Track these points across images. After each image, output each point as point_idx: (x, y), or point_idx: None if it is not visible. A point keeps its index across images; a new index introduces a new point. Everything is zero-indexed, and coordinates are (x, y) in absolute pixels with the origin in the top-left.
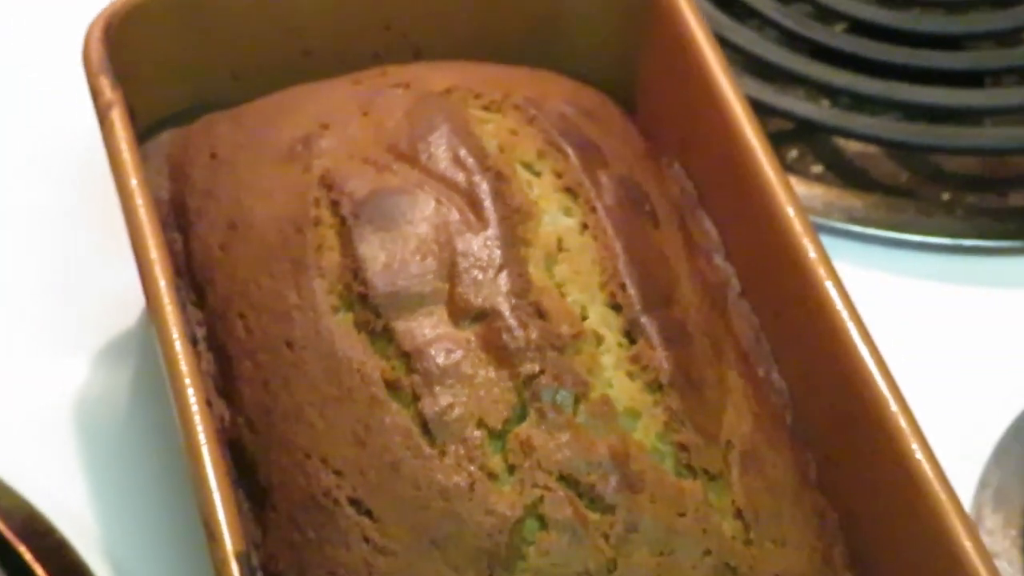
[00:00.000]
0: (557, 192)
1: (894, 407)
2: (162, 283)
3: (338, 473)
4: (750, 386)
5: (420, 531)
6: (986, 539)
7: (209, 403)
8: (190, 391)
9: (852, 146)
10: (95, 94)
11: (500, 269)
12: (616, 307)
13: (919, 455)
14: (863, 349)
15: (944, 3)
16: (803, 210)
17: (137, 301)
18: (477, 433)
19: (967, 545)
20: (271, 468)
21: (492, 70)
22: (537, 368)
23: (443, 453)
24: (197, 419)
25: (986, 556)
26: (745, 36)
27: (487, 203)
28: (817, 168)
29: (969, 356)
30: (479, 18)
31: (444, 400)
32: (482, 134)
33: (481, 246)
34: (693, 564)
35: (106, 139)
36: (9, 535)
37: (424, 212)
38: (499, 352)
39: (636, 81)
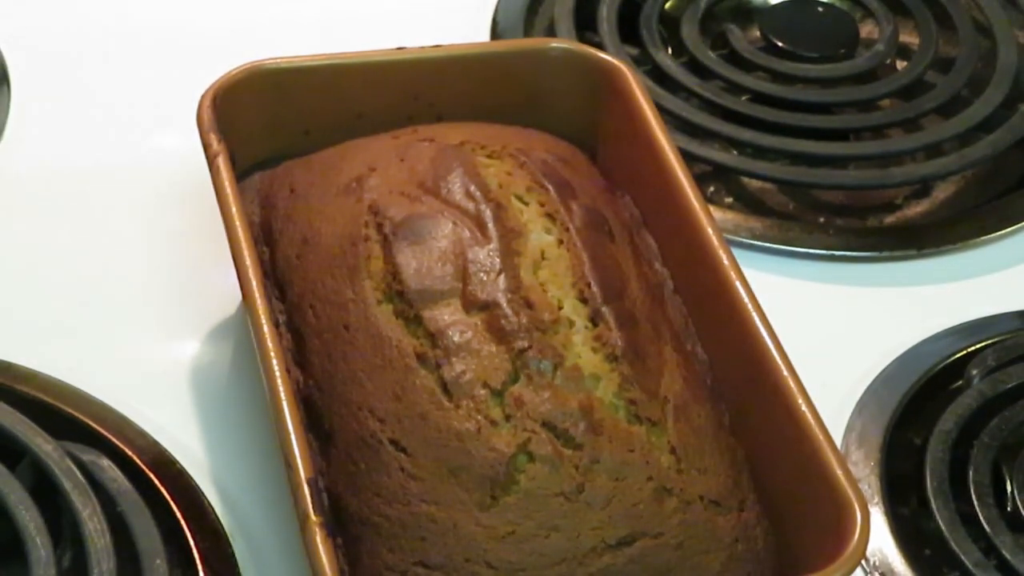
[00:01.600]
0: (541, 217)
1: (785, 373)
2: (254, 283)
3: (381, 421)
4: (680, 357)
5: (441, 463)
6: (852, 469)
7: (288, 370)
8: (274, 361)
9: (753, 183)
10: (205, 146)
11: (499, 272)
12: (584, 300)
13: (804, 408)
14: (762, 330)
15: (820, 80)
16: (719, 229)
17: (236, 296)
18: (482, 392)
19: (839, 473)
20: (333, 417)
21: (493, 129)
22: (526, 344)
23: (458, 406)
24: (279, 381)
25: (853, 481)
26: (677, 104)
27: (490, 225)
28: (729, 199)
29: (840, 335)
30: (485, 92)
31: (459, 368)
32: (486, 175)
33: (485, 256)
34: (639, 487)
35: (214, 179)
36: (143, 466)
37: (444, 231)
38: (498, 332)
39: (598, 136)
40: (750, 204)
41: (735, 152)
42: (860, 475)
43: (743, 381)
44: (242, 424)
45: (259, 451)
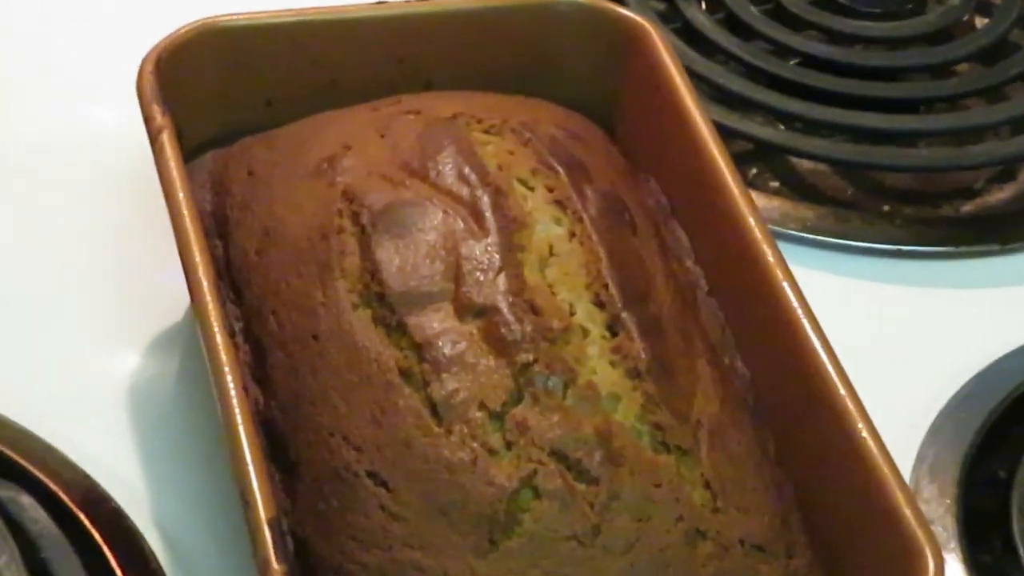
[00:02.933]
0: (548, 204)
1: (842, 391)
2: (205, 284)
3: (358, 449)
4: (716, 373)
5: (429, 500)
6: (924, 507)
7: (246, 388)
8: (229, 378)
9: (804, 164)
10: (147, 119)
11: (499, 271)
12: (600, 304)
13: (864, 433)
14: (815, 340)
15: (884, 40)
16: (762, 220)
17: (183, 299)
18: (479, 414)
19: (907, 513)
20: (299, 445)
21: (492, 99)
22: (531, 357)
23: (449, 432)
24: (235, 402)
25: (924, 523)
26: (712, 69)
27: (487, 214)
28: (774, 183)
29: (906, 347)
30: (481, 54)
31: (450, 385)
32: (483, 154)
33: (482, 251)
34: (667, 529)
35: (157, 159)
36: (70, 504)
37: (433, 222)
38: (498, 343)
39: (617, 108)
40: (800, 189)
41: (782, 127)
42: (933, 515)
43: (792, 402)
44: (190, 453)
45: (211, 485)
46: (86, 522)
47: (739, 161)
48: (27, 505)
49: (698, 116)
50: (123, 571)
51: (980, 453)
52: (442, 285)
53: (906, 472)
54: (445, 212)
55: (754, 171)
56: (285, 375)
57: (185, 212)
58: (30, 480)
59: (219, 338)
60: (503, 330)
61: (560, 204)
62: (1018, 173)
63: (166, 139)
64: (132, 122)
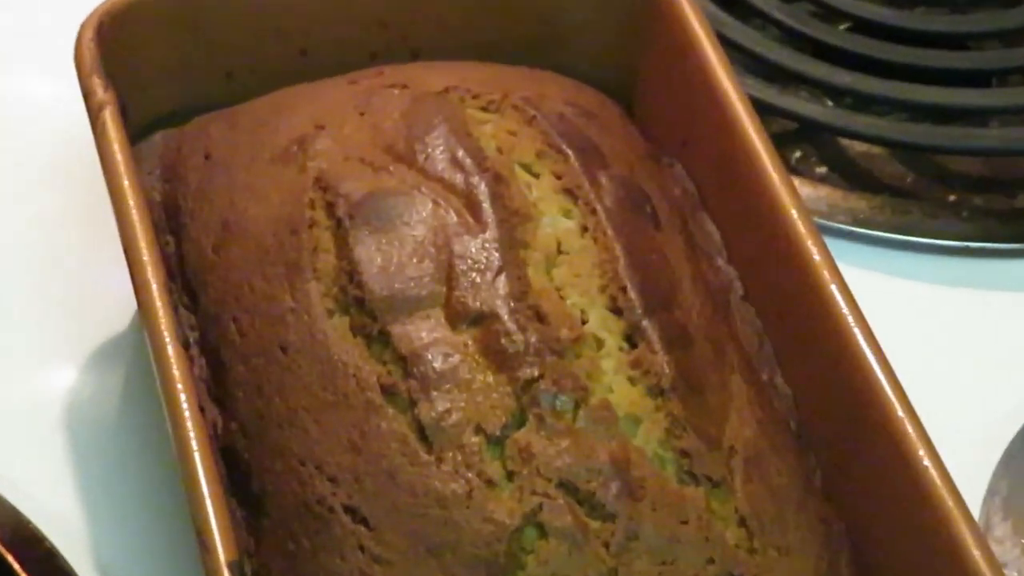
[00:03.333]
0: (556, 194)
1: (900, 412)
2: (154, 286)
3: (333, 480)
4: (753, 391)
5: (417, 539)
6: (995, 548)
7: (202, 408)
8: (182, 396)
9: (856, 147)
10: (87, 94)
11: (498, 272)
12: (617, 310)
13: (926, 461)
14: (868, 354)
15: (949, 2)
16: (807, 212)
17: (129, 304)
18: (475, 439)
19: (976, 555)
20: (265, 475)
21: (490, 70)
22: (536, 372)
23: (440, 460)
24: (189, 425)
25: (996, 566)
26: (747, 35)
27: (485, 205)
28: (821, 169)
29: (976, 361)
30: (478, 18)
31: (441, 405)
32: (480, 135)
33: (479, 249)
34: (696, 573)
35: (98, 140)
36: None
37: (421, 214)
38: (497, 356)
39: (637, 81)
40: (851, 176)
41: (830, 103)
42: (1006, 557)
43: (841, 425)
44: (137, 485)
45: (161, 522)
46: (15, 566)
47: (780, 143)
48: None
49: (732, 91)
50: None
51: None
52: (432, 288)
53: (975, 507)
54: (435, 203)
55: (797, 155)
56: (248, 394)
57: (131, 202)
58: None
59: (171, 350)
60: (503, 341)
61: (570, 193)
62: None
63: (109, 117)
64: (69, 98)
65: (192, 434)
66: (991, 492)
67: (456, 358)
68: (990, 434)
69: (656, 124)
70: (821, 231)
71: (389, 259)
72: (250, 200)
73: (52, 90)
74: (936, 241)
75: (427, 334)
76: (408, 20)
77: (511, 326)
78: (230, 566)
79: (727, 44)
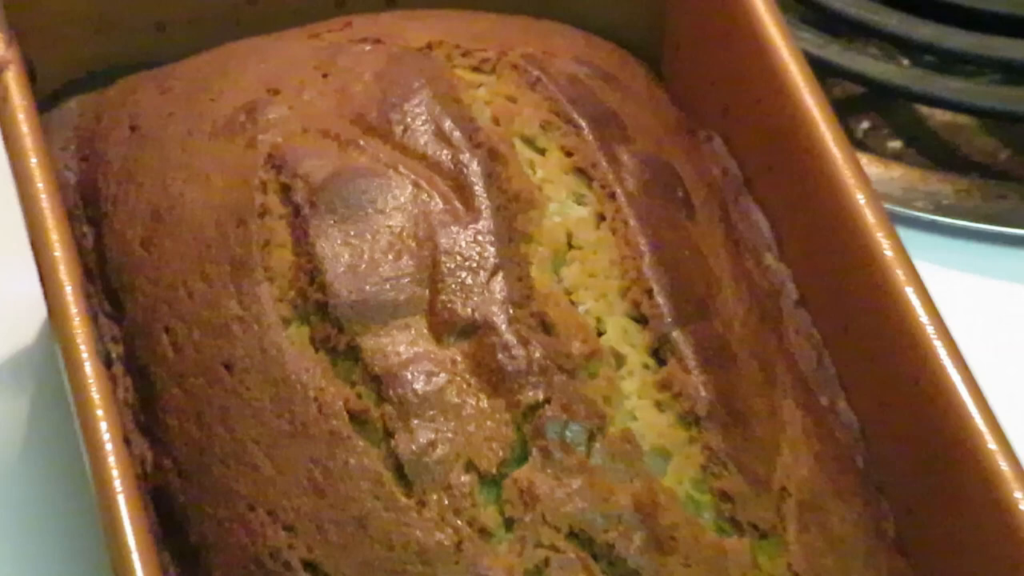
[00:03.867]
0: (566, 174)
1: (992, 445)
2: (68, 289)
3: (290, 529)
4: (810, 419)
5: None
6: None
7: (127, 440)
8: (103, 425)
9: (939, 116)
10: None
11: (494, 271)
12: (641, 319)
13: (1023, 504)
14: (953, 373)
15: None
16: (876, 197)
17: (37, 311)
18: (465, 478)
19: None
20: (205, 523)
21: (484, 21)
22: (541, 396)
23: (422, 504)
24: (112, 461)
25: None
26: None
27: (478, 188)
28: (895, 144)
29: None
30: None
31: (423, 437)
32: (471, 101)
33: (470, 242)
34: None
35: None
36: None
37: (399, 199)
38: (493, 376)
39: (666, 35)
40: (932, 153)
41: (906, 62)
42: None
43: (920, 461)
44: (47, 531)
45: None
46: None
47: (843, 111)
48: None
49: (784, 47)
50: None
51: None
52: (412, 291)
53: None
54: (416, 185)
55: (865, 126)
56: (185, 422)
57: (39, 185)
58: None
59: (88, 368)
60: (500, 356)
61: (583, 174)
62: None
63: (12, 79)
64: None
65: (115, 473)
66: None
67: (442, 378)
68: None
69: (690, 88)
70: (894, 221)
71: (359, 255)
72: (187, 182)
73: None
74: None
75: (406, 348)
76: None
77: (510, 338)
78: None
79: None
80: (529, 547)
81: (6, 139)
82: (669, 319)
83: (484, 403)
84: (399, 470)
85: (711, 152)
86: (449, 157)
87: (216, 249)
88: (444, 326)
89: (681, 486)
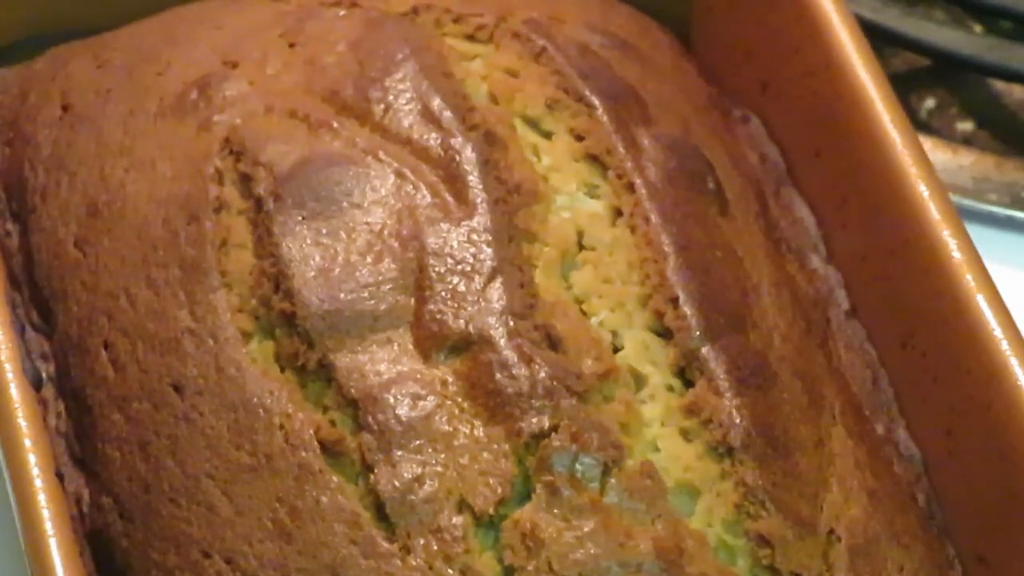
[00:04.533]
0: (577, 162)
1: None
2: None
3: None
4: (864, 450)
5: None
6: None
7: (60, 476)
8: (31, 458)
9: (1017, 92)
10: None
11: (491, 276)
12: (664, 333)
13: None
14: None
15: None
16: (942, 188)
17: None
18: (457, 519)
19: None
20: (152, 573)
21: None
22: (546, 423)
23: (407, 550)
24: (42, 499)
25: None
26: None
27: (472, 178)
28: (965, 125)
29: None
30: None
31: (408, 471)
32: (465, 75)
33: (463, 242)
34: None
35: None
36: None
37: (379, 191)
38: (490, 399)
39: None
40: (1009, 136)
41: (977, 28)
42: None
43: (992, 499)
44: None
45: None
46: None
47: (904, 87)
48: None
49: (834, 12)
50: None
51: None
52: (394, 300)
53: None
54: (399, 175)
55: (930, 104)
56: (128, 454)
57: None
58: None
59: (14, 390)
60: (499, 376)
61: (597, 161)
62: None
63: None
64: None
65: (46, 513)
66: None
67: (430, 402)
68: None
69: (724, 60)
70: (964, 216)
71: (332, 258)
72: (129, 171)
73: None
74: None
75: (387, 367)
76: None
77: (509, 355)
78: None
79: None
80: None
81: None
82: (698, 333)
83: (479, 431)
84: (380, 510)
85: (747, 135)
86: (438, 142)
87: (164, 250)
88: (432, 341)
89: (711, 529)
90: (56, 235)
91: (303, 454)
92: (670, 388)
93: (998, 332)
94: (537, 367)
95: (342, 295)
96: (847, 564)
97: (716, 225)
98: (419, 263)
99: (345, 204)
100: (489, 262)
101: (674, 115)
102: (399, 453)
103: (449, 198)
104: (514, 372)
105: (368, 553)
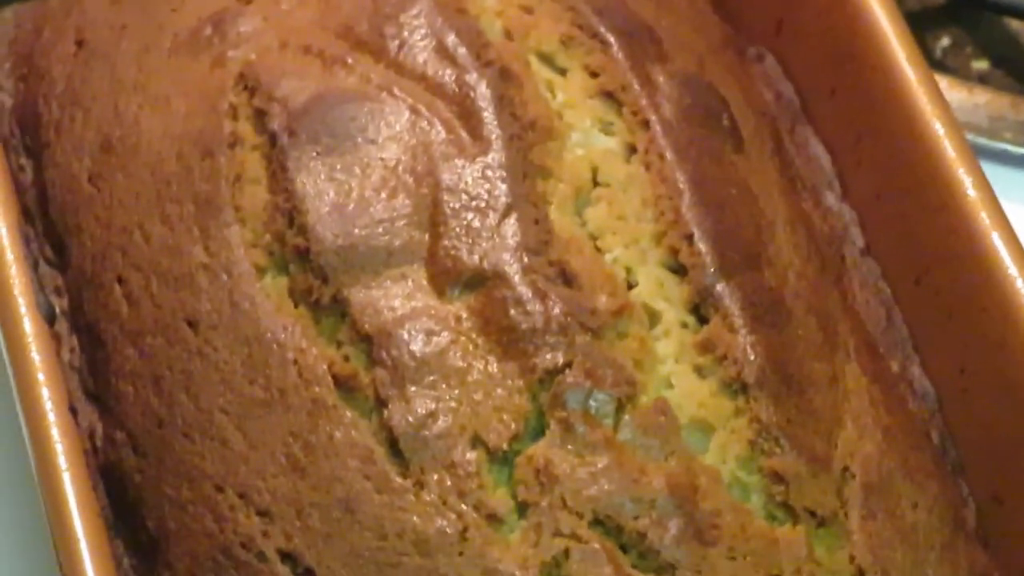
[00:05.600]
0: (592, 98)
1: None
2: (3, 231)
3: (264, 514)
4: (878, 387)
5: None
6: None
7: (74, 411)
8: (45, 392)
9: None
10: None
11: (506, 212)
12: (679, 270)
13: None
14: None
15: None
16: (958, 127)
17: None
18: (471, 455)
19: None
20: (165, 506)
21: None
22: (560, 360)
23: (420, 485)
24: (55, 434)
25: None
26: None
27: (487, 114)
28: (980, 64)
29: None
30: None
31: (422, 406)
32: (479, 12)
33: (478, 178)
34: None
35: None
36: None
37: (393, 127)
38: (504, 335)
39: None
40: None
41: None
42: None
43: (1008, 437)
44: None
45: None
46: None
47: (919, 25)
48: None
49: None
50: None
51: None
52: (408, 236)
53: None
54: (414, 111)
55: (945, 43)
56: (141, 388)
57: None
58: None
59: (28, 324)
60: (513, 313)
61: (612, 98)
62: None
63: None
64: None
65: (59, 447)
66: None
67: (444, 338)
68: None
69: None
70: (979, 155)
71: (346, 193)
72: (143, 107)
73: None
74: None
75: (401, 303)
76: None
77: (524, 291)
78: None
79: None
80: (546, 536)
81: None
82: (712, 269)
83: (493, 367)
84: (393, 445)
85: (763, 73)
86: (453, 78)
87: (178, 186)
88: (446, 277)
89: (725, 465)
90: (70, 170)
91: (317, 389)
92: (684, 325)
93: (1013, 270)
94: (551, 303)
95: (356, 230)
96: (861, 501)
97: (731, 162)
98: (433, 199)
99: (359, 140)
100: (504, 198)
101: (689, 52)
102: (413, 389)
103: (464, 134)
104: (528, 308)
105: (381, 488)
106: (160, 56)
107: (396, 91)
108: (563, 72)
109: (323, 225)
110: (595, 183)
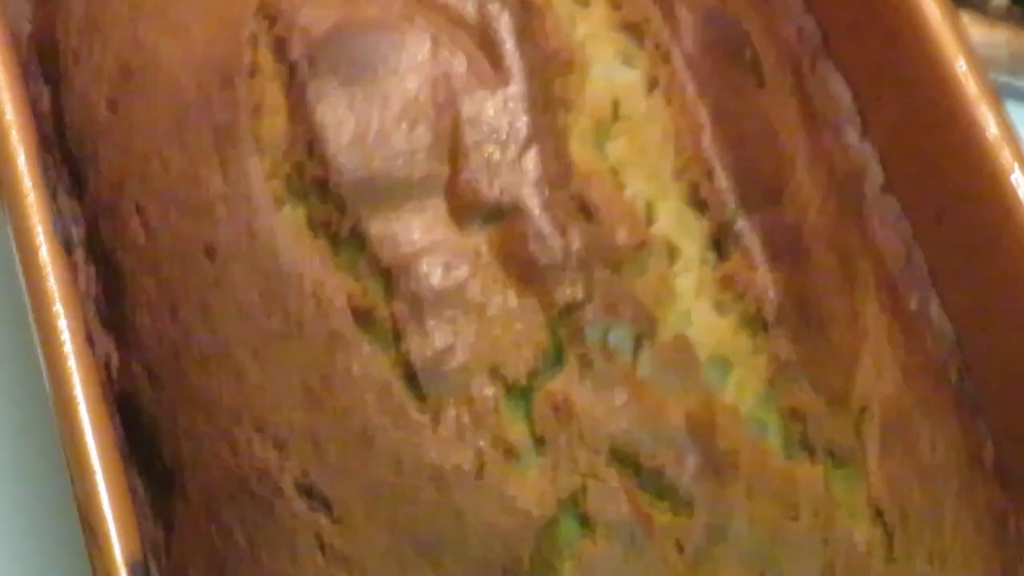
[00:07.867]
0: (613, 31)
1: None
2: (21, 158)
3: (281, 447)
4: (897, 326)
5: (402, 534)
6: None
7: (91, 340)
8: (62, 322)
9: None
10: None
11: (526, 145)
12: (699, 205)
13: None
14: None
15: None
16: (979, 64)
17: None
18: (489, 390)
19: None
20: (181, 438)
21: None
22: (580, 294)
23: (438, 419)
24: (72, 364)
25: None
26: None
27: (508, 46)
28: (1002, 0)
29: None
30: None
31: (440, 340)
32: None
33: (499, 110)
34: None
35: None
36: None
37: (415, 58)
38: (523, 269)
39: None
40: None
41: None
42: None
43: None
44: None
45: (33, 506)
46: None
47: None
48: None
49: None
50: None
51: None
52: (429, 167)
53: None
54: (435, 41)
55: None
56: (158, 318)
57: None
58: None
59: (44, 253)
60: (533, 246)
61: (633, 30)
62: None
63: None
64: None
65: (76, 378)
66: None
67: (463, 271)
68: None
69: None
70: (1001, 92)
71: (366, 124)
72: (163, 34)
73: None
74: None
75: (421, 235)
76: None
77: (544, 225)
78: (131, 568)
79: None
80: (563, 471)
81: None
82: (732, 205)
83: (512, 301)
84: (411, 379)
85: (784, 7)
86: (475, 8)
87: (197, 114)
88: (466, 209)
89: (744, 402)
90: (88, 97)
91: (335, 321)
92: (704, 261)
93: None
94: (571, 237)
95: (376, 162)
96: (879, 439)
97: (752, 97)
98: (454, 131)
99: (380, 70)
100: (524, 130)
101: None
102: (431, 322)
103: (485, 65)
104: (548, 242)
105: (399, 422)
106: None
107: (417, 21)
108: (585, 4)
109: (343, 156)
110: (616, 116)
